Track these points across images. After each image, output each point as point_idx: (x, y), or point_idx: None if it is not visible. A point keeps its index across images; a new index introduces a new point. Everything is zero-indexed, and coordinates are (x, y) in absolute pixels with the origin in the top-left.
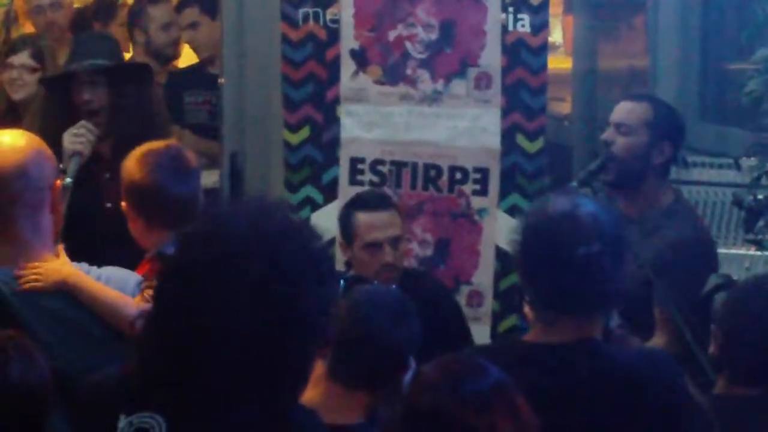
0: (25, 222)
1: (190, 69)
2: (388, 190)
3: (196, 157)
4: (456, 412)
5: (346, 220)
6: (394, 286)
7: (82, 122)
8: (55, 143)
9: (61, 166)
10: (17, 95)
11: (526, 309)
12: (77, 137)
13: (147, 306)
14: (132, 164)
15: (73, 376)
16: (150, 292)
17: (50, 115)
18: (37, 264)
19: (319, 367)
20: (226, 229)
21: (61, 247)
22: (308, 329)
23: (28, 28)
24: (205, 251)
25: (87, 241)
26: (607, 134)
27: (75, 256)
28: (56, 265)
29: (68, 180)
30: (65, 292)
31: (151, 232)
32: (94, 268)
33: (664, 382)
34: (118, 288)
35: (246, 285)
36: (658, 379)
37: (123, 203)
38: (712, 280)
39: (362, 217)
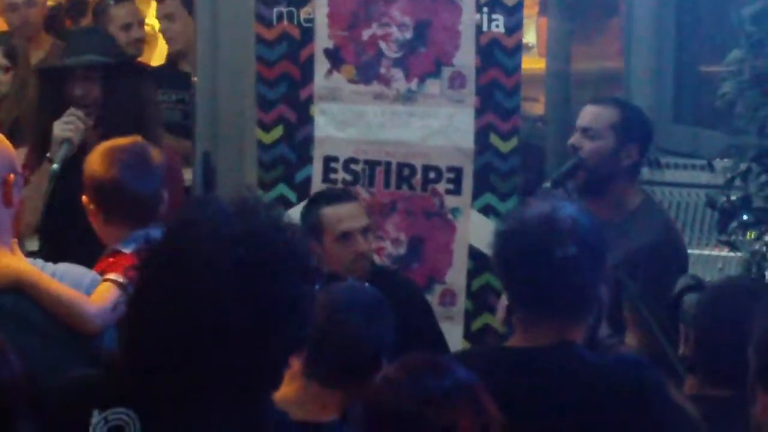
0: None
1: (162, 68)
2: (361, 189)
3: (161, 154)
4: (416, 410)
5: (310, 217)
6: (367, 284)
7: (72, 110)
8: (46, 135)
9: (48, 154)
10: None
11: (499, 315)
12: (68, 124)
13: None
14: (95, 159)
15: (30, 376)
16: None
17: (42, 107)
18: None
19: (295, 364)
20: (214, 217)
21: (15, 242)
22: (289, 323)
23: (1, 25)
24: (192, 236)
25: (69, 229)
26: (574, 139)
27: (56, 243)
28: (11, 262)
29: (55, 166)
30: (19, 290)
31: (110, 227)
32: (49, 264)
33: (645, 388)
34: (72, 285)
35: (231, 271)
36: (638, 386)
37: (84, 197)
38: (682, 282)
39: (329, 211)
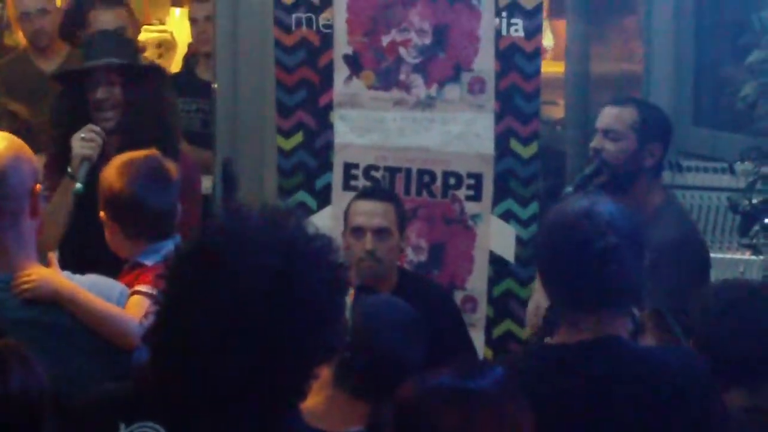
0: (6, 229)
1: (180, 75)
2: None
3: (176, 167)
4: (442, 411)
5: (346, 208)
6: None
7: (90, 126)
8: (66, 140)
9: (69, 170)
10: None
11: (531, 321)
12: (86, 142)
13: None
14: (111, 174)
15: (63, 388)
16: (143, 289)
17: (63, 111)
18: (28, 273)
19: (324, 373)
20: (243, 224)
21: (52, 257)
22: (318, 334)
23: (20, 35)
24: (221, 245)
25: (92, 241)
26: (596, 141)
27: (80, 256)
28: (48, 274)
29: (79, 186)
30: (56, 303)
31: (129, 242)
32: (78, 276)
33: (697, 382)
34: (102, 296)
35: (261, 277)
36: (689, 378)
37: (101, 212)
38: None
39: (354, 204)
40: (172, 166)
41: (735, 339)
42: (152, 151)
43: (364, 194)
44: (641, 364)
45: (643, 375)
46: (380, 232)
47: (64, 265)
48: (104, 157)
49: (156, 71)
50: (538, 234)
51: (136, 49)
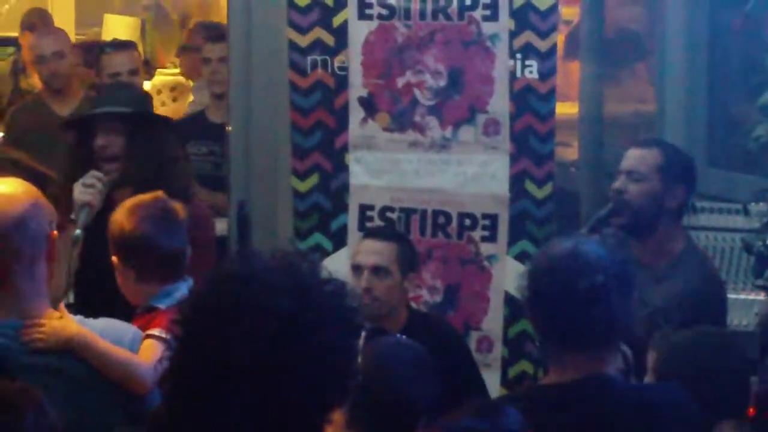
0: (22, 274)
1: (191, 118)
2: None
3: (184, 209)
4: None
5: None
6: (410, 340)
7: (93, 172)
8: (71, 187)
9: (72, 216)
10: None
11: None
12: (87, 188)
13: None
14: (122, 217)
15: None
16: (156, 333)
17: (71, 158)
18: (40, 322)
19: (337, 416)
20: (257, 269)
21: (62, 306)
22: (331, 378)
23: (36, 79)
24: (235, 290)
25: (100, 289)
26: (619, 183)
27: (87, 304)
28: (61, 324)
29: (78, 232)
30: (68, 351)
31: (142, 285)
32: (90, 320)
33: (685, 419)
34: (114, 341)
35: (275, 325)
36: (677, 415)
37: (113, 257)
38: None
39: (359, 243)
40: (179, 207)
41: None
42: (159, 194)
43: (369, 234)
44: (630, 401)
45: (632, 413)
46: (377, 271)
47: (79, 307)
48: (114, 208)
49: (157, 120)
50: (525, 276)
51: (145, 97)
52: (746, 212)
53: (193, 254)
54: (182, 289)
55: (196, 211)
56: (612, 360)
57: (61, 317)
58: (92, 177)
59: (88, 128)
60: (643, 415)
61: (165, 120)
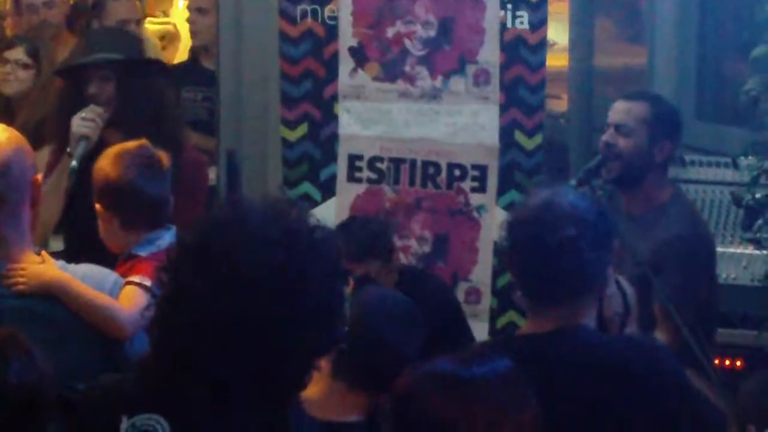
0: (6, 219)
1: (185, 64)
2: (386, 187)
3: (167, 156)
4: (444, 398)
5: None
6: (393, 290)
7: (92, 106)
8: (67, 133)
9: (68, 149)
10: (9, 90)
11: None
12: (85, 121)
13: (137, 309)
14: (106, 164)
15: (60, 380)
16: (137, 280)
17: (63, 106)
18: (21, 266)
19: (323, 364)
20: (245, 217)
21: (44, 251)
22: (319, 325)
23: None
24: (223, 238)
25: (88, 228)
26: (608, 136)
27: (79, 243)
28: (41, 268)
29: (74, 163)
30: (50, 295)
31: (125, 232)
32: (71, 265)
33: (656, 371)
34: (95, 287)
35: (263, 273)
36: (647, 368)
37: (96, 205)
38: None
39: None
40: (163, 156)
41: None
42: (143, 141)
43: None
44: (602, 353)
45: (598, 364)
46: None
47: (69, 251)
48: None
49: (151, 65)
50: (503, 228)
51: (138, 42)
52: (735, 166)
53: (185, 201)
54: (164, 237)
55: (190, 158)
56: (588, 311)
57: (42, 262)
58: (92, 111)
59: (81, 74)
60: (614, 366)
61: (159, 64)
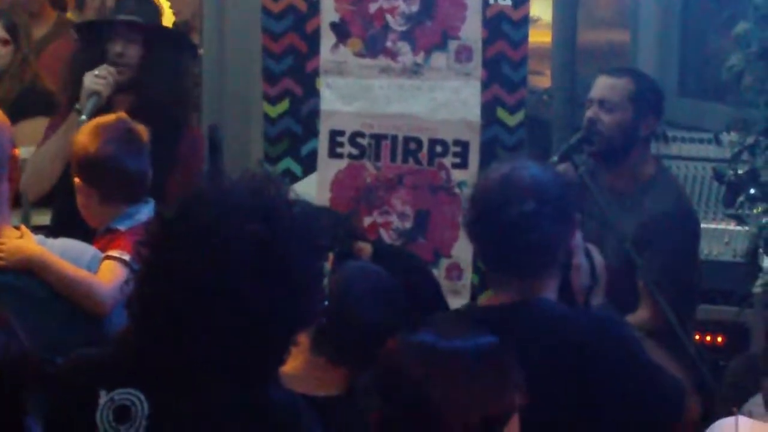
0: None
1: None
2: (367, 163)
3: (145, 130)
4: (425, 369)
5: None
6: (373, 264)
7: (106, 66)
8: (79, 84)
9: (77, 106)
10: None
11: None
12: (99, 78)
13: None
14: (85, 138)
15: (40, 355)
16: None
17: (79, 63)
18: (0, 241)
19: (302, 339)
20: (225, 193)
21: (23, 226)
22: (298, 300)
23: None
24: (202, 212)
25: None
26: (592, 112)
27: (67, 215)
28: (20, 243)
29: (83, 118)
30: (28, 270)
31: (104, 206)
32: (49, 240)
33: (612, 344)
34: (72, 262)
35: (242, 247)
36: (604, 341)
37: (75, 179)
38: None
39: None
40: (142, 129)
41: None
42: (121, 115)
43: None
44: (556, 326)
45: (556, 337)
46: None
47: (58, 226)
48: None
49: (178, 38)
50: (465, 201)
51: (161, 13)
52: (717, 142)
53: (184, 176)
54: (143, 211)
55: (193, 136)
56: (549, 283)
57: (21, 236)
58: (105, 69)
59: (101, 33)
60: (570, 339)
61: (184, 38)
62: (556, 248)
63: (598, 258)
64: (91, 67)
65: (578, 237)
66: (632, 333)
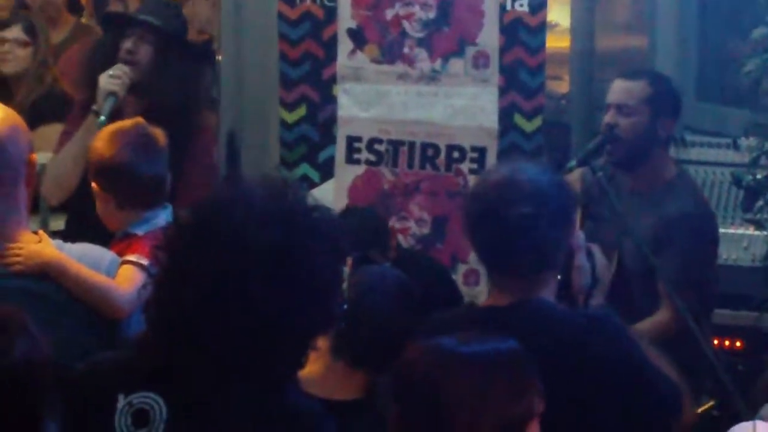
0: (1, 199)
1: None
2: (384, 169)
3: (163, 135)
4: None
5: None
6: (392, 268)
7: (120, 65)
8: (94, 82)
9: (94, 107)
10: (7, 69)
11: None
12: (114, 78)
13: (133, 288)
14: (102, 143)
15: (56, 359)
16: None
17: (95, 56)
18: (18, 246)
19: (321, 343)
20: (246, 197)
21: (41, 231)
22: (316, 304)
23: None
24: (222, 217)
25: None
26: (610, 117)
27: (82, 220)
28: (38, 248)
29: (102, 119)
30: (47, 275)
31: (121, 212)
32: (67, 244)
33: (609, 346)
34: (91, 267)
35: (261, 251)
36: (601, 343)
37: (93, 184)
38: None
39: None
40: (160, 134)
41: None
42: (139, 120)
43: None
44: (554, 327)
45: (553, 337)
46: None
47: (73, 229)
48: (120, 115)
49: (191, 48)
50: (464, 202)
51: (184, 22)
52: (736, 146)
53: (198, 179)
54: (161, 216)
55: (205, 139)
56: (547, 284)
57: (39, 241)
58: (119, 69)
59: (119, 31)
60: (568, 341)
61: (201, 50)
62: (554, 250)
63: (599, 258)
64: (105, 64)
65: (580, 237)
66: (630, 334)
